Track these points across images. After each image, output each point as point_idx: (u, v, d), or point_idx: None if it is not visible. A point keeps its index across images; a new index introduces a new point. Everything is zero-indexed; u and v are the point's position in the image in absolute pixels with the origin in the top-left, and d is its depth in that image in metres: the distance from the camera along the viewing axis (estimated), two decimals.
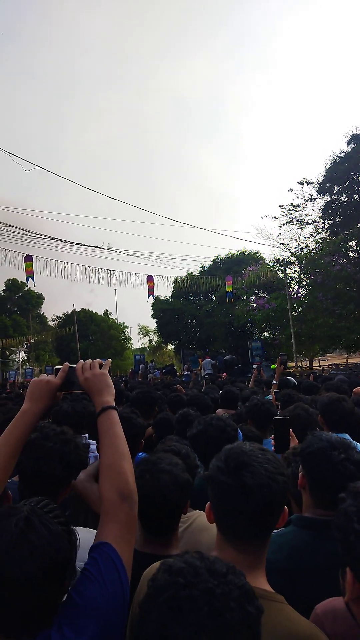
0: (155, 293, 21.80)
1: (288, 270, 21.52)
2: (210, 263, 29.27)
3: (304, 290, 21.74)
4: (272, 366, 20.64)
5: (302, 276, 21.79)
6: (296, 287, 21.84)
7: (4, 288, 46.19)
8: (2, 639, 0.90)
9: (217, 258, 29.44)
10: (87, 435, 2.65)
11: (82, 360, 1.40)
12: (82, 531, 1.55)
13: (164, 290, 31.34)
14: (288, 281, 21.05)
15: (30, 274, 17.11)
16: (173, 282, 24.39)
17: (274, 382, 5.20)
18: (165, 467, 1.50)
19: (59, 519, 0.97)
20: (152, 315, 32.83)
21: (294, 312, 20.57)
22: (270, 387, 6.30)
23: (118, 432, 1.24)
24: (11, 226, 15.36)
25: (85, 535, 1.52)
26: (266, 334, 25.40)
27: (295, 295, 21.15)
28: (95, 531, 1.64)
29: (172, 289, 27.74)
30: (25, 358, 45.64)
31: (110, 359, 1.48)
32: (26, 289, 44.00)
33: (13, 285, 45.26)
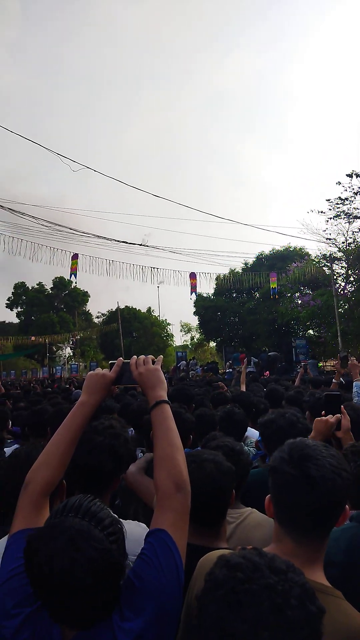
0: (198, 290, 21.82)
1: (335, 266, 20.84)
2: (254, 259, 28.89)
3: (351, 286, 20.98)
4: (320, 364, 20.12)
5: (350, 272, 21.05)
6: (343, 284, 21.12)
7: (52, 286, 47.82)
8: (66, 628, 0.95)
9: (261, 254, 29.01)
10: (132, 430, 2.70)
11: (135, 356, 1.45)
12: (131, 524, 1.58)
13: (207, 288, 31.30)
14: (335, 277, 20.40)
15: (74, 271, 17.63)
16: (215, 279, 24.30)
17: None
18: (208, 457, 1.58)
19: (104, 522, 0.96)
20: (194, 313, 32.90)
21: (340, 310, 19.92)
22: (317, 386, 6.14)
23: (171, 425, 1.29)
24: (60, 225, 15.84)
25: (136, 529, 1.54)
26: (311, 331, 24.78)
27: (342, 292, 20.47)
28: (145, 525, 1.68)
29: (215, 286, 27.64)
30: (71, 354, 47.08)
31: (162, 356, 1.51)
32: (72, 286, 45.35)
33: (60, 283, 46.75)
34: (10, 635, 0.99)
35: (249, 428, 3.26)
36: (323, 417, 1.96)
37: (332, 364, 20.96)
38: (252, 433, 3.41)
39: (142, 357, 1.44)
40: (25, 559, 0.93)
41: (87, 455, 1.57)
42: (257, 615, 0.66)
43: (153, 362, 1.42)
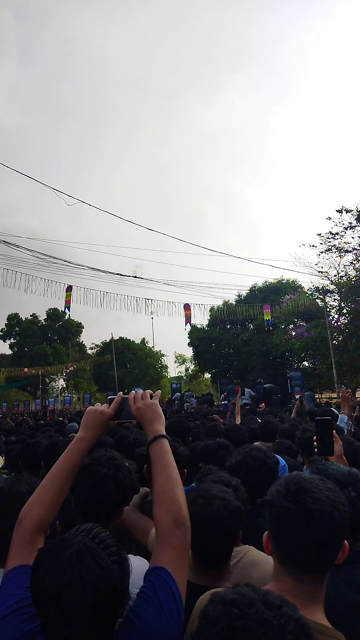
0: (192, 321, 21.93)
1: (327, 299, 21.11)
2: (248, 291, 29.22)
3: (344, 318, 21.20)
4: (315, 396, 20.01)
5: (343, 304, 21.31)
6: (336, 316, 21.35)
7: (45, 317, 47.82)
8: None
9: (255, 286, 29.37)
10: (131, 461, 2.66)
11: (134, 391, 1.46)
12: (135, 559, 1.55)
13: (201, 319, 31.49)
14: (328, 309, 20.63)
15: (68, 304, 17.76)
16: (210, 310, 24.47)
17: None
18: (217, 494, 1.53)
19: (111, 548, 0.98)
20: (188, 344, 32.90)
21: (334, 341, 20.03)
22: (315, 419, 6.08)
23: (170, 460, 1.28)
24: (54, 257, 16.02)
25: (138, 563, 1.52)
26: (306, 363, 24.79)
27: (335, 324, 20.64)
28: (146, 560, 1.64)
29: (209, 318, 27.79)
30: (65, 386, 46.54)
31: (159, 390, 1.52)
32: (66, 317, 45.38)
33: (54, 314, 46.77)
34: None
35: None
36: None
37: (327, 396, 20.85)
38: None
39: (140, 391, 1.45)
40: (32, 570, 0.94)
41: (93, 487, 1.57)
42: None
43: (151, 397, 1.42)
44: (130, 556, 1.56)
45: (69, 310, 18.30)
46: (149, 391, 1.45)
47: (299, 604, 0.99)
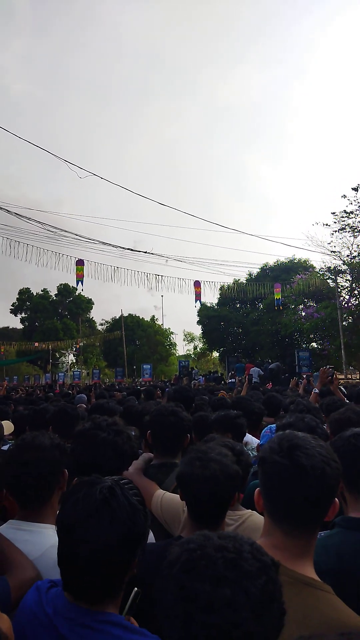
0: (202, 299, 21.83)
1: (339, 279, 20.86)
2: (258, 270, 28.98)
3: (355, 299, 20.99)
4: None
5: (354, 285, 21.07)
6: (347, 297, 21.13)
7: (56, 292, 48.03)
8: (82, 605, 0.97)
9: (266, 265, 29.11)
10: (135, 428, 2.71)
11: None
12: None
13: (211, 297, 31.32)
14: (339, 290, 20.41)
15: (80, 278, 17.58)
16: (220, 288, 24.34)
17: (314, 390, 4.96)
18: (215, 457, 1.49)
19: (138, 497, 1.05)
20: (197, 322, 32.94)
21: (344, 323, 19.90)
22: (321, 396, 6.11)
23: None
24: (65, 231, 15.93)
25: None
26: (314, 344, 24.73)
27: (346, 305, 20.46)
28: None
29: (219, 296, 27.67)
30: (74, 361, 47.11)
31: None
32: (76, 293, 45.51)
33: (64, 289, 46.94)
34: None
35: (247, 434, 3.18)
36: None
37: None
38: (252, 440, 3.36)
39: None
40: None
41: (91, 450, 1.58)
42: (214, 573, 0.67)
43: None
44: None
45: (82, 285, 17.83)
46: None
47: (288, 558, 1.04)
